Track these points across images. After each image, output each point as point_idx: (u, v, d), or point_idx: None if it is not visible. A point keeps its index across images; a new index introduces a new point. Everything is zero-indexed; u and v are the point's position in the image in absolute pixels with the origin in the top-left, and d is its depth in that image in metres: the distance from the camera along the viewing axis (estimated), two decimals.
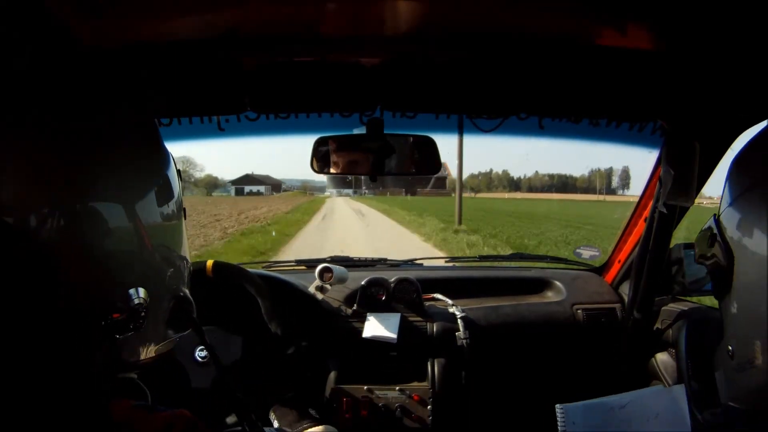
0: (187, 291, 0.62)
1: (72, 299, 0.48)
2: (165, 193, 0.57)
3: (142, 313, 0.52)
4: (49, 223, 0.46)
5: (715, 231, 0.60)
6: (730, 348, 0.59)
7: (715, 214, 0.62)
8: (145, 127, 0.59)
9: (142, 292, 0.52)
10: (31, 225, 0.45)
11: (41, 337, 0.46)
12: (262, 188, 73.36)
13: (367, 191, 54.55)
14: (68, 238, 0.47)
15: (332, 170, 1.07)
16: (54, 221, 0.46)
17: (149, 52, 0.79)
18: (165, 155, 0.60)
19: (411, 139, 1.06)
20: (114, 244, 0.51)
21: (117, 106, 0.56)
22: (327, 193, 60.31)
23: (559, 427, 0.94)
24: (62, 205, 0.47)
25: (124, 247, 0.52)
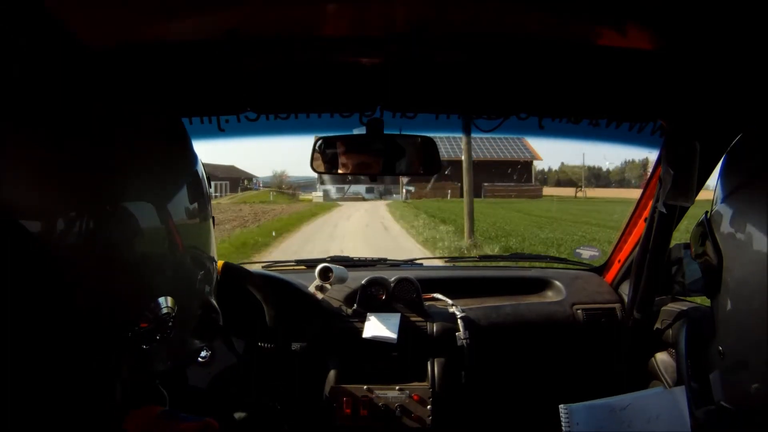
0: (213, 299, 0.62)
1: (97, 306, 0.46)
2: (195, 191, 0.57)
3: (170, 323, 0.51)
4: (75, 227, 0.44)
5: (706, 229, 0.60)
6: (720, 348, 0.59)
7: (707, 211, 0.62)
8: (171, 125, 0.59)
9: (170, 301, 0.51)
10: (55, 229, 0.43)
11: (57, 343, 0.44)
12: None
13: (410, 189, 27.38)
14: (95, 241, 0.45)
15: (339, 171, 1.07)
16: (80, 225, 0.44)
17: (150, 52, 0.79)
18: (193, 153, 0.59)
19: (411, 139, 1.06)
20: (144, 245, 0.49)
21: (140, 105, 0.55)
22: (316, 194, 29.86)
23: (563, 428, 0.94)
24: (89, 207, 0.45)
25: (154, 248, 0.50)
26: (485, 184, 29.29)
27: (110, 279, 0.47)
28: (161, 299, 0.51)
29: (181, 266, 0.54)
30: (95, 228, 0.45)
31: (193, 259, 0.57)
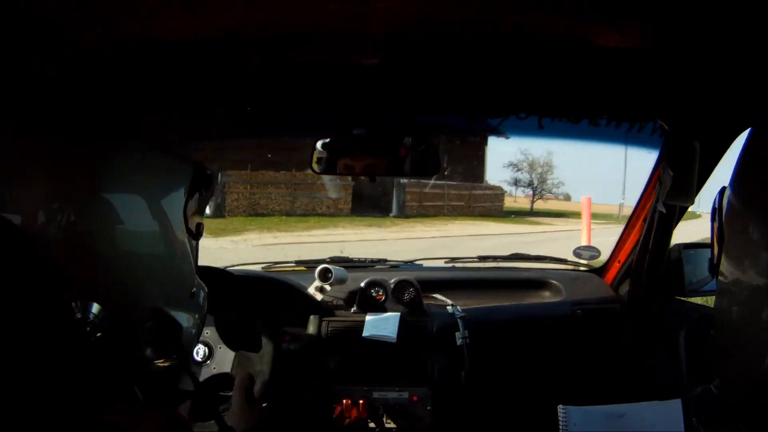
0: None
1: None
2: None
3: (91, 329, 0.50)
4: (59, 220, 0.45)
5: (716, 205, 0.61)
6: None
7: (723, 186, 0.63)
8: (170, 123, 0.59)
9: (95, 308, 0.49)
10: (41, 224, 0.45)
11: (30, 335, 0.44)
12: None
13: None
14: (74, 234, 0.47)
15: (339, 171, 1.07)
16: (63, 217, 0.46)
17: (149, 52, 0.79)
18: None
19: (411, 140, 1.06)
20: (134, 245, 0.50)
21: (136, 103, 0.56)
22: None
23: (560, 428, 0.95)
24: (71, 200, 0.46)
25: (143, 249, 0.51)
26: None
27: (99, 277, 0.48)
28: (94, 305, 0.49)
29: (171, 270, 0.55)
30: (76, 220, 0.46)
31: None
